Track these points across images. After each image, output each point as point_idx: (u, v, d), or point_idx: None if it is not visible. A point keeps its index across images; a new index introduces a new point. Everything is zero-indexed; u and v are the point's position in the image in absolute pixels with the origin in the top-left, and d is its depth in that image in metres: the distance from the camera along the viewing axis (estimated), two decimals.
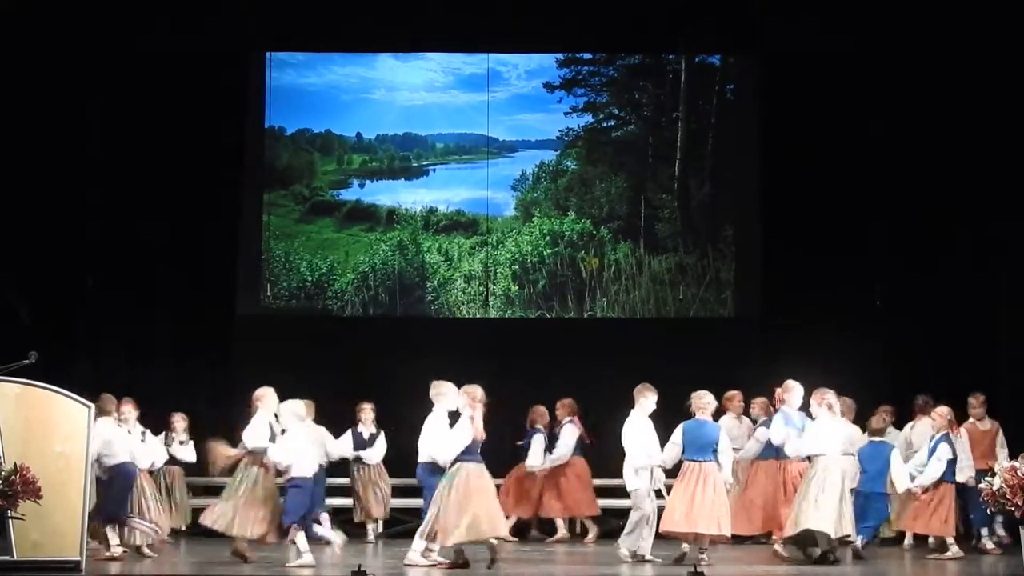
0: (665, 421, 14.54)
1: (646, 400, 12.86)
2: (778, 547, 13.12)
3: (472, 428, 11.99)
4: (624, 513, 15.77)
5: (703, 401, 12.79)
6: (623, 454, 12.90)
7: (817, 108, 16.94)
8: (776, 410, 13.50)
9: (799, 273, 16.95)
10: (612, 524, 15.81)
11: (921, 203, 16.67)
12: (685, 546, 12.77)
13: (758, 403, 14.41)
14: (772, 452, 13.57)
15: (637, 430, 12.77)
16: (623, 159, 17.77)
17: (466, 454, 12.00)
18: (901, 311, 16.76)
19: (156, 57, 16.74)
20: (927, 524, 13.44)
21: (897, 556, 13.82)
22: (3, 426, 11.19)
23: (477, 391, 12.15)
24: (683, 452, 12.64)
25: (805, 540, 12.76)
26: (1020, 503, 11.59)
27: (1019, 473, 11.65)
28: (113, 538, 12.69)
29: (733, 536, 12.92)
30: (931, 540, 13.67)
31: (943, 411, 13.51)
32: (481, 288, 17.60)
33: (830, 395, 12.80)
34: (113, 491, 12.64)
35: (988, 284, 16.39)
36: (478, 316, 17.56)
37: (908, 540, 14.29)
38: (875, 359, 15.87)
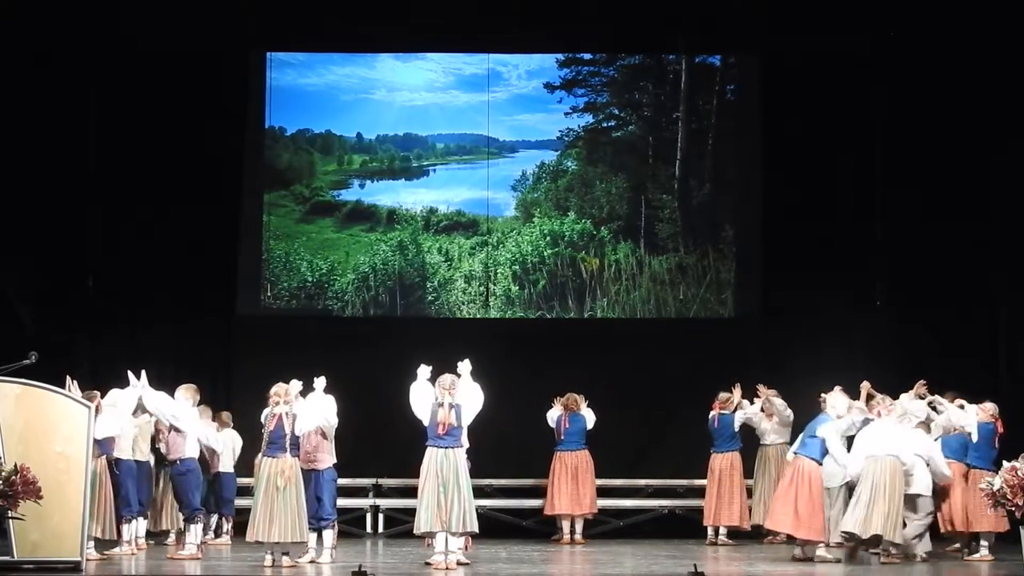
0: (668, 421, 14.59)
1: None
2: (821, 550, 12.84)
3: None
4: (622, 514, 15.88)
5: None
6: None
7: (817, 108, 16.94)
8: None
9: (799, 273, 16.93)
10: (613, 524, 15.85)
11: (921, 203, 16.66)
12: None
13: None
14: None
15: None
16: (623, 159, 17.76)
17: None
18: (901, 310, 16.75)
19: (156, 57, 16.73)
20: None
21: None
22: (3, 426, 11.17)
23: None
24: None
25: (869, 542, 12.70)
26: (1020, 503, 11.59)
27: (1019, 473, 11.64)
28: (126, 533, 12.94)
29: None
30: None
31: (988, 407, 13.40)
32: (481, 288, 17.59)
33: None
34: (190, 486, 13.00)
35: (989, 283, 16.39)
36: (478, 316, 17.55)
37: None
38: (875, 359, 15.84)
